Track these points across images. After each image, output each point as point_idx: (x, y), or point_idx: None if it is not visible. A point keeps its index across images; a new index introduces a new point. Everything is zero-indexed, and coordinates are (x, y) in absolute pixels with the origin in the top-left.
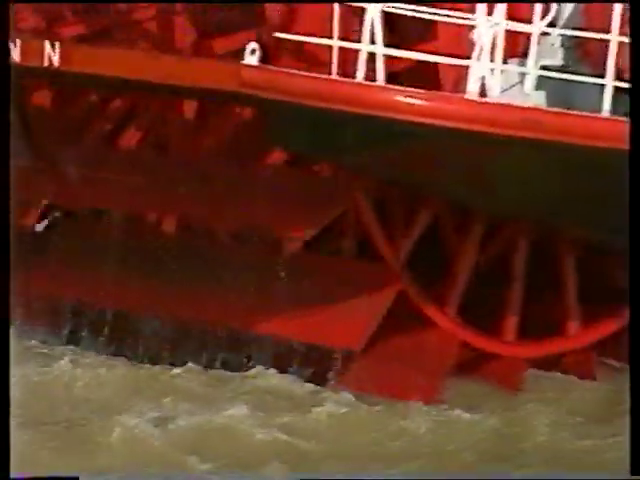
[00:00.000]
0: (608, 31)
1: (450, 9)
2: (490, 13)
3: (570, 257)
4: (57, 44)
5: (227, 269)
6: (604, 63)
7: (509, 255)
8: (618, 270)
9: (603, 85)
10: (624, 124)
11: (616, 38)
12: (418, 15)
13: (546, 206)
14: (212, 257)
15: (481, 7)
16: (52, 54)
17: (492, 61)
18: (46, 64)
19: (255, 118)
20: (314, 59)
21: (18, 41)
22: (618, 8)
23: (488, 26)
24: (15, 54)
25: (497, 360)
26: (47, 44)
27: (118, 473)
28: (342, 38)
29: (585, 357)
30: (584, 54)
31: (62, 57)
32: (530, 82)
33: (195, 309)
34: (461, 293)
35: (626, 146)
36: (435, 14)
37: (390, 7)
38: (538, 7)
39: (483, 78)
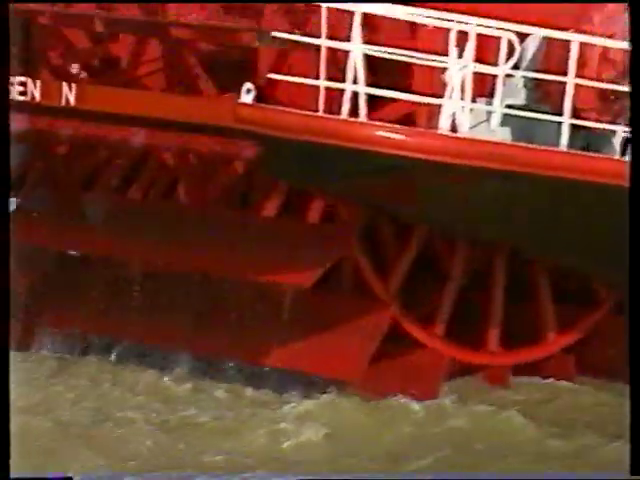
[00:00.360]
0: (566, 73)
1: (426, 52)
2: (460, 56)
3: (499, 287)
4: (74, 85)
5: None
6: (562, 102)
7: (445, 260)
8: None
9: (561, 122)
10: (579, 157)
11: (572, 80)
12: (396, 58)
13: (513, 232)
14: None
15: (452, 51)
16: (69, 94)
17: (462, 100)
18: (63, 103)
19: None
20: None
21: (38, 82)
22: (575, 52)
23: (458, 68)
24: (36, 94)
25: (417, 368)
26: (64, 85)
27: (115, 473)
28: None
29: (503, 369)
30: (544, 94)
31: (77, 96)
32: (496, 119)
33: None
34: (403, 278)
35: (581, 177)
36: (411, 57)
37: (371, 50)
38: (503, 51)
39: (454, 115)
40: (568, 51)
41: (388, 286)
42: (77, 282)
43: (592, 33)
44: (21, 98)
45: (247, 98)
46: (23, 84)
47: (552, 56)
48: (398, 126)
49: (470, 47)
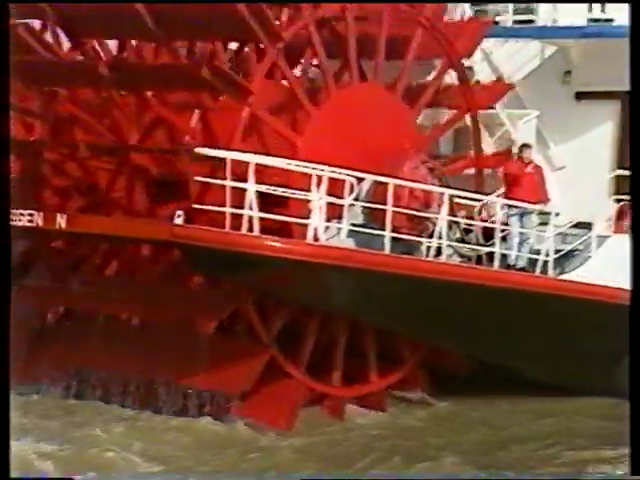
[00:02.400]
0: (387, 203)
1: (299, 189)
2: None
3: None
4: (65, 215)
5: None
6: (383, 222)
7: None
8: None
9: (384, 236)
10: (398, 259)
11: (390, 208)
12: (276, 194)
13: (359, 308)
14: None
15: (314, 188)
16: (61, 221)
17: (321, 220)
18: (57, 227)
19: None
20: None
21: (41, 213)
22: (391, 190)
23: (318, 199)
24: (39, 221)
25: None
26: (58, 215)
27: (115, 473)
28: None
29: (338, 402)
30: (374, 217)
31: (67, 223)
32: (344, 233)
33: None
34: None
35: (398, 271)
36: (286, 192)
37: (267, 189)
38: (347, 189)
39: (316, 230)
40: (386, 190)
41: (269, 333)
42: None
43: (403, 178)
44: (29, 224)
45: (179, 220)
46: (31, 215)
47: (378, 192)
48: (279, 238)
49: (324, 186)
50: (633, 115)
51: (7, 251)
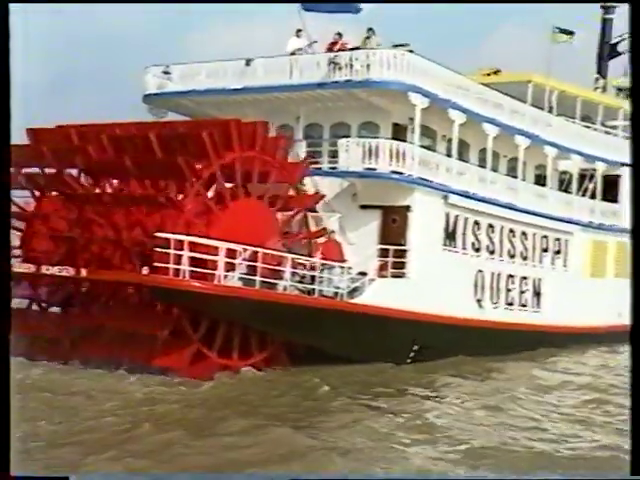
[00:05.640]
0: (257, 262)
1: (213, 254)
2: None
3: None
4: (85, 269)
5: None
6: (256, 272)
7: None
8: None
9: (256, 280)
10: (263, 292)
11: (260, 265)
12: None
13: (261, 323)
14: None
15: (220, 254)
16: (83, 272)
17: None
18: (82, 275)
19: None
20: None
21: (72, 268)
22: (260, 255)
23: (221, 259)
24: (72, 271)
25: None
26: (82, 269)
27: (109, 473)
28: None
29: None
30: (252, 270)
31: (87, 273)
32: (236, 279)
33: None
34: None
35: (266, 299)
36: (203, 256)
37: (194, 255)
38: (238, 254)
39: (219, 276)
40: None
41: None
42: None
43: (268, 249)
44: (66, 274)
45: (145, 271)
46: (67, 269)
47: (254, 256)
48: (200, 281)
49: (223, 252)
50: (633, 115)
51: (7, 246)
